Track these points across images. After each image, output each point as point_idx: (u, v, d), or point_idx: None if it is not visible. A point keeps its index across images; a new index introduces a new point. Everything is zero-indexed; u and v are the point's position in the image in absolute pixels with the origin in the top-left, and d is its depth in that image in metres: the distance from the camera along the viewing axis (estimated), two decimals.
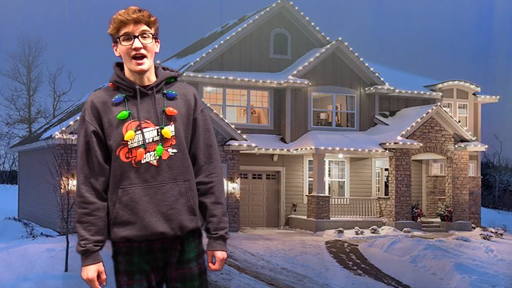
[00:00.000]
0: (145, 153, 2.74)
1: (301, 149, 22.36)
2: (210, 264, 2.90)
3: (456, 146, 23.48)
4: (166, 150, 2.78)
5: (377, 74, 24.51)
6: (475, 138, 24.53)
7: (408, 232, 21.37)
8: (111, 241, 2.82)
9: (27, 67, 49.81)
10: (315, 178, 22.29)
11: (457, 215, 23.39)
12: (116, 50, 2.82)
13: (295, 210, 23.40)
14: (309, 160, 23.48)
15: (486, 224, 26.32)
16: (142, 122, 2.76)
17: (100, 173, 2.77)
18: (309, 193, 22.85)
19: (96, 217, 2.74)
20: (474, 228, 23.79)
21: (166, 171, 2.76)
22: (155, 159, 2.75)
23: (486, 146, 24.82)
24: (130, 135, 2.73)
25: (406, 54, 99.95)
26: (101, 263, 2.74)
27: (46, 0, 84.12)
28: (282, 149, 22.74)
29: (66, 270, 12.24)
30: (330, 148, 21.93)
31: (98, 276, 2.73)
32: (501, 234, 22.40)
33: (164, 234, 2.74)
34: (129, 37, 2.74)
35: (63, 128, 18.33)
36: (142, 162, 2.74)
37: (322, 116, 24.89)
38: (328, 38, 24.74)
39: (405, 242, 17.03)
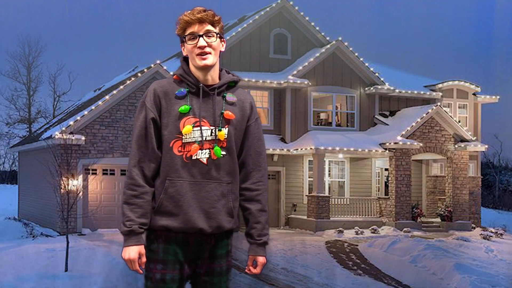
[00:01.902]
0: (198, 150, 2.82)
1: (301, 149, 22.36)
2: (251, 268, 3.02)
3: (456, 146, 23.48)
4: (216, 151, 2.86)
5: (377, 74, 24.51)
6: (475, 138, 24.53)
7: (408, 232, 21.36)
8: (148, 228, 2.87)
9: (27, 67, 49.84)
10: (315, 178, 22.30)
11: (457, 215, 23.39)
12: (183, 49, 2.90)
13: (295, 210, 23.40)
14: (309, 160, 23.49)
15: (486, 224, 26.33)
16: (200, 119, 2.85)
17: (152, 160, 2.84)
18: (309, 193, 22.85)
19: (144, 200, 2.80)
20: (474, 228, 23.79)
21: (213, 170, 2.85)
22: (205, 158, 2.83)
23: (486, 146, 24.82)
24: (187, 129, 2.81)
25: (406, 54, 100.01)
26: (143, 246, 2.80)
27: (46, 0, 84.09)
28: (282, 149, 22.75)
29: (66, 270, 12.23)
30: (330, 148, 21.93)
31: (139, 258, 2.78)
32: (501, 234, 22.39)
33: (203, 231, 2.83)
34: (194, 36, 2.83)
35: (63, 128, 18.31)
36: (193, 158, 2.82)
37: (322, 116, 24.90)
38: (328, 38, 24.74)
39: (405, 242, 17.03)
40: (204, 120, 2.84)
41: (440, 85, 25.79)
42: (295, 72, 23.27)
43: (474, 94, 26.45)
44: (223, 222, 2.88)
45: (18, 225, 22.57)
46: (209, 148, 2.83)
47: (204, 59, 2.82)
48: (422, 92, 25.48)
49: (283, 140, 23.37)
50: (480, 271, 13.30)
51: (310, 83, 23.47)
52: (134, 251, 2.76)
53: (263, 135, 3.04)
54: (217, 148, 2.83)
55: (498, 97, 27.08)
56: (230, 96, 2.92)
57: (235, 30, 23.75)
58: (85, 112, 20.09)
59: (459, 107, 26.24)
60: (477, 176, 26.04)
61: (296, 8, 24.36)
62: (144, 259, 2.79)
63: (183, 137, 2.81)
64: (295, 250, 16.88)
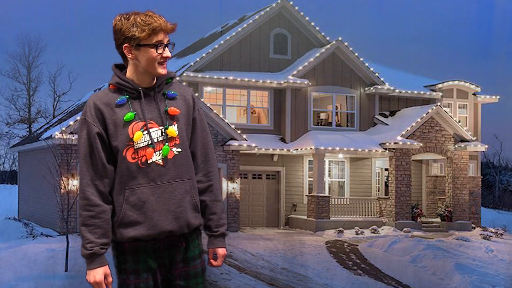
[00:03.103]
0: (154, 153, 2.78)
1: (301, 149, 22.36)
2: (212, 261, 2.96)
3: (456, 146, 23.48)
4: (171, 149, 2.82)
5: (377, 74, 24.51)
6: (475, 138, 24.53)
7: (408, 232, 21.36)
8: (115, 241, 2.82)
9: (27, 67, 49.81)
10: (315, 178, 22.29)
11: (457, 215, 23.39)
12: (131, 52, 2.79)
13: (295, 210, 23.39)
14: (309, 160, 23.48)
15: (486, 224, 26.33)
16: (147, 122, 2.81)
17: (104, 175, 2.78)
18: (309, 193, 22.85)
19: (102, 219, 2.74)
20: (474, 228, 23.79)
21: (172, 170, 2.81)
22: (161, 159, 2.79)
23: (486, 146, 24.82)
24: (139, 135, 2.76)
25: (406, 54, 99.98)
26: (107, 266, 2.75)
27: (46, 0, 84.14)
28: (282, 149, 22.74)
29: (66, 270, 12.24)
30: (330, 148, 21.93)
31: (104, 278, 2.74)
32: (501, 234, 22.40)
33: (172, 232, 2.79)
34: (162, 45, 2.79)
35: (63, 128, 18.32)
36: (149, 162, 2.78)
37: (322, 116, 24.90)
38: (328, 38, 24.74)
39: (405, 242, 17.02)
40: (151, 122, 2.80)
41: (440, 85, 25.79)
42: (295, 72, 23.26)
43: (474, 94, 26.45)
44: (191, 219, 2.82)
45: (18, 225, 22.59)
46: (163, 149, 2.80)
47: (165, 67, 2.83)
48: (422, 92, 25.48)
49: (283, 140, 23.37)
50: (480, 271, 13.30)
51: (310, 83, 23.47)
52: (99, 274, 2.71)
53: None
54: (165, 147, 2.79)
55: (498, 97, 27.08)
56: (171, 92, 2.90)
57: (235, 30, 23.74)
58: None
59: (459, 107, 26.24)
60: (477, 176, 26.04)
61: (296, 8, 24.35)
62: (110, 279, 2.75)
63: (134, 144, 2.76)
64: (295, 250, 16.88)
